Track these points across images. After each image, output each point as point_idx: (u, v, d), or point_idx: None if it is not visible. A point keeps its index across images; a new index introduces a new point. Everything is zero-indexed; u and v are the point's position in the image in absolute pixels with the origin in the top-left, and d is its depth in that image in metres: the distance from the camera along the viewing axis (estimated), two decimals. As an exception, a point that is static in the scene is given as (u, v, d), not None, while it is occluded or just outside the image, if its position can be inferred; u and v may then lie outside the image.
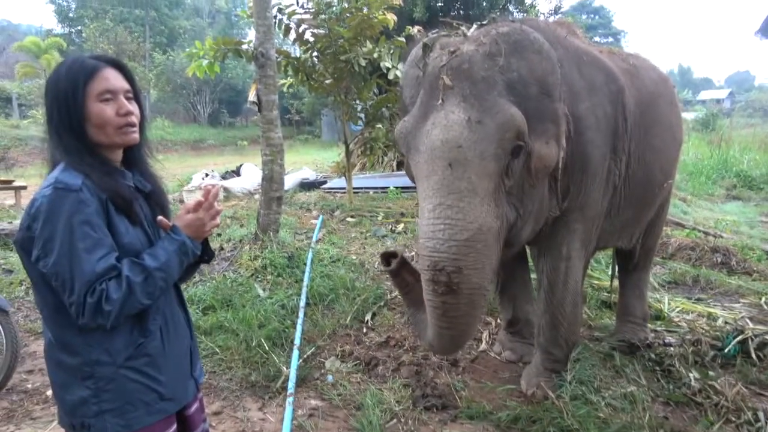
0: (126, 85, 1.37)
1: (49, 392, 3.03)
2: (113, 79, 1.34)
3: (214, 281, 4.40)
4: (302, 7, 6.43)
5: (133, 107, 1.37)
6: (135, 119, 1.37)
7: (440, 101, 2.00)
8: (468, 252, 1.87)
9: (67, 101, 1.30)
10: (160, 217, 1.40)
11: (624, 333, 3.48)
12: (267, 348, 3.30)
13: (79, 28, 31.57)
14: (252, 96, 5.74)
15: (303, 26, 6.52)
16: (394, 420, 2.69)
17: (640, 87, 2.81)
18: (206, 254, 1.52)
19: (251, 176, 10.62)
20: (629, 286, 3.64)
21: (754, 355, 3.25)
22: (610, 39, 47.41)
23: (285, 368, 3.08)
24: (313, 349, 3.41)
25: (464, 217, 1.87)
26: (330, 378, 3.08)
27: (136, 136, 1.39)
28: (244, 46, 6.27)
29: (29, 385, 3.16)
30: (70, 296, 1.21)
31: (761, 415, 2.63)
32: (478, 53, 2.01)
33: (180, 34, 32.64)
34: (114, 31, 26.78)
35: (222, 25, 38.65)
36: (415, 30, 6.61)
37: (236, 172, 11.35)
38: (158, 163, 1.57)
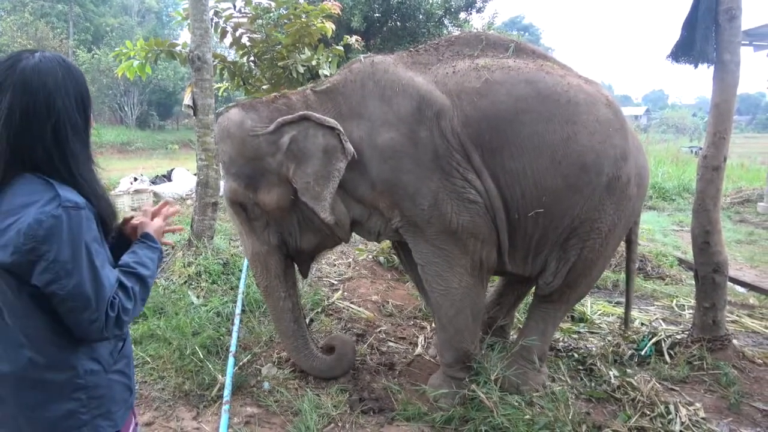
0: None
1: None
2: None
3: (144, 289, 4.25)
4: (239, 11, 6.32)
5: None
6: None
7: None
8: (252, 266, 3.04)
9: (85, 102, 1.32)
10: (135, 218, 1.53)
11: (516, 372, 2.88)
12: (202, 356, 3.22)
13: (-6, 21, 29.53)
14: (187, 99, 5.56)
15: (240, 30, 6.42)
16: (332, 425, 2.72)
17: (486, 107, 2.61)
18: None
19: (183, 181, 10.31)
20: (533, 317, 3.14)
21: (666, 354, 3.52)
22: (539, 55, 49.46)
23: (220, 376, 3.03)
24: (250, 356, 3.38)
25: (244, 247, 3.05)
26: (266, 385, 3.05)
27: None
28: (178, 48, 6.09)
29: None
30: (92, 314, 1.22)
31: (672, 407, 2.86)
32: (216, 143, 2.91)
33: (107, 32, 30.98)
34: (34, 26, 25.12)
35: (152, 25, 37.19)
36: (353, 39, 6.67)
37: (167, 177, 10.98)
38: None
